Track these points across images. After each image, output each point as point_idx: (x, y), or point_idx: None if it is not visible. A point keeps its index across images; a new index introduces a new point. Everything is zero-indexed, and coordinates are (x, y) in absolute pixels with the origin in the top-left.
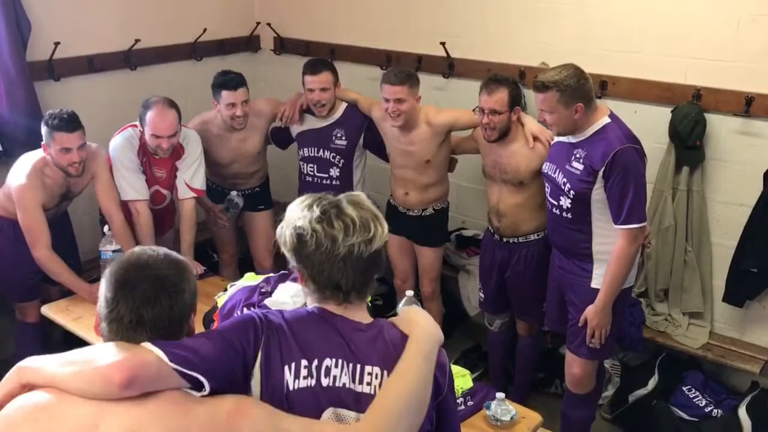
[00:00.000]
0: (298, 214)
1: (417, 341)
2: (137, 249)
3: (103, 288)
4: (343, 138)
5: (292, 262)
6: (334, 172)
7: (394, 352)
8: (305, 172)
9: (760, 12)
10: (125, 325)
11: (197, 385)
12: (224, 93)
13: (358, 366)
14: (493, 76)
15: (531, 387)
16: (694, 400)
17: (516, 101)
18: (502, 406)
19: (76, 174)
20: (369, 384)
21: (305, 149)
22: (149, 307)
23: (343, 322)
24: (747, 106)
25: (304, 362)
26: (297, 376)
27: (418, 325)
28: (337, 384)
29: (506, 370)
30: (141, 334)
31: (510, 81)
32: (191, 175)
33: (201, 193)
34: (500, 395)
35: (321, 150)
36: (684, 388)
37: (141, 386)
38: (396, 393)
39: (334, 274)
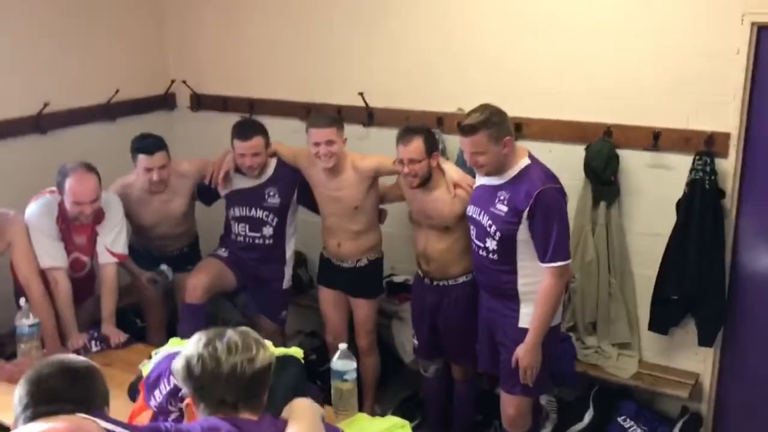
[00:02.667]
0: (190, 346)
1: (296, 411)
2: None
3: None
4: (276, 196)
5: (185, 390)
6: (267, 231)
7: (283, 428)
8: (236, 231)
9: (655, 53)
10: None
11: None
12: (141, 157)
13: None
14: (407, 127)
15: (470, 430)
16: (630, 430)
17: (432, 147)
18: None
19: None
20: None
21: (236, 209)
22: (66, 404)
23: (236, 419)
24: (655, 140)
25: None
26: None
27: (296, 404)
28: None
29: (445, 416)
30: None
31: (423, 129)
32: (112, 240)
33: (123, 258)
34: None
35: (253, 209)
36: (619, 419)
37: None
38: None
39: (220, 391)
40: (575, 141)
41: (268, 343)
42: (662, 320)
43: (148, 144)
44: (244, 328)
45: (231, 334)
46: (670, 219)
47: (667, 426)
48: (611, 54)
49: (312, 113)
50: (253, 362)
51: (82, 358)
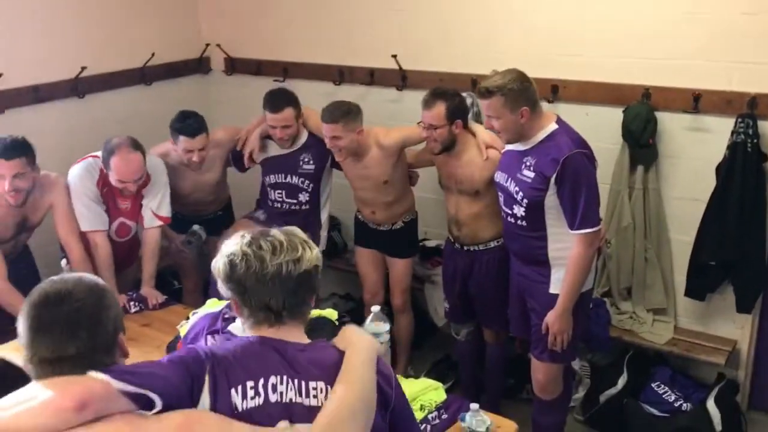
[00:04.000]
0: (231, 244)
1: (354, 352)
2: (46, 284)
3: (20, 328)
4: (311, 162)
5: (227, 293)
6: (303, 197)
7: (334, 368)
8: (273, 198)
9: (694, 10)
10: (49, 363)
11: (147, 404)
12: (182, 138)
13: (303, 382)
14: (434, 90)
15: (502, 394)
16: (664, 396)
17: (456, 114)
18: (477, 417)
19: (15, 204)
20: (316, 397)
21: (272, 176)
22: (69, 345)
23: (282, 344)
24: (695, 102)
25: (250, 383)
26: (245, 396)
27: (353, 340)
28: (284, 399)
29: (477, 379)
30: (67, 370)
31: (449, 94)
32: (158, 204)
33: (167, 221)
34: (474, 406)
35: (289, 176)
36: (653, 385)
37: (94, 408)
38: (341, 400)
39: (264, 294)
40: (613, 103)
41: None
42: (699, 286)
43: (190, 126)
44: (289, 228)
45: (276, 233)
46: (709, 183)
47: (702, 392)
48: (650, 14)
49: (328, 105)
50: (299, 263)
51: (84, 280)
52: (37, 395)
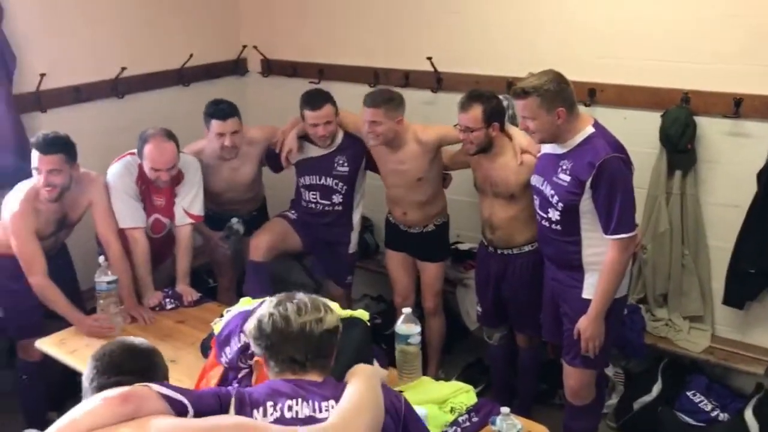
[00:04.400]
0: (261, 308)
1: (356, 374)
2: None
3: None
4: (346, 164)
5: (256, 350)
6: (337, 198)
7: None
8: (307, 199)
9: (735, 13)
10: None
11: (182, 411)
12: (214, 122)
13: (316, 402)
14: (470, 92)
15: (534, 398)
16: (700, 405)
17: (493, 117)
18: (508, 421)
19: (49, 199)
20: (327, 411)
21: (306, 177)
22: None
23: (300, 381)
24: (736, 107)
25: (269, 403)
26: (265, 414)
27: (355, 368)
28: (300, 416)
29: (509, 383)
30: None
31: (486, 96)
32: (189, 202)
33: (199, 219)
34: (505, 410)
35: (324, 178)
36: (688, 393)
37: (136, 403)
38: (351, 397)
39: (289, 350)
40: (651, 107)
41: (335, 305)
42: (738, 294)
43: (222, 110)
44: (312, 295)
45: (301, 296)
46: (749, 189)
47: (740, 402)
48: (690, 16)
49: (371, 91)
50: (322, 323)
51: (143, 339)
52: (97, 399)
